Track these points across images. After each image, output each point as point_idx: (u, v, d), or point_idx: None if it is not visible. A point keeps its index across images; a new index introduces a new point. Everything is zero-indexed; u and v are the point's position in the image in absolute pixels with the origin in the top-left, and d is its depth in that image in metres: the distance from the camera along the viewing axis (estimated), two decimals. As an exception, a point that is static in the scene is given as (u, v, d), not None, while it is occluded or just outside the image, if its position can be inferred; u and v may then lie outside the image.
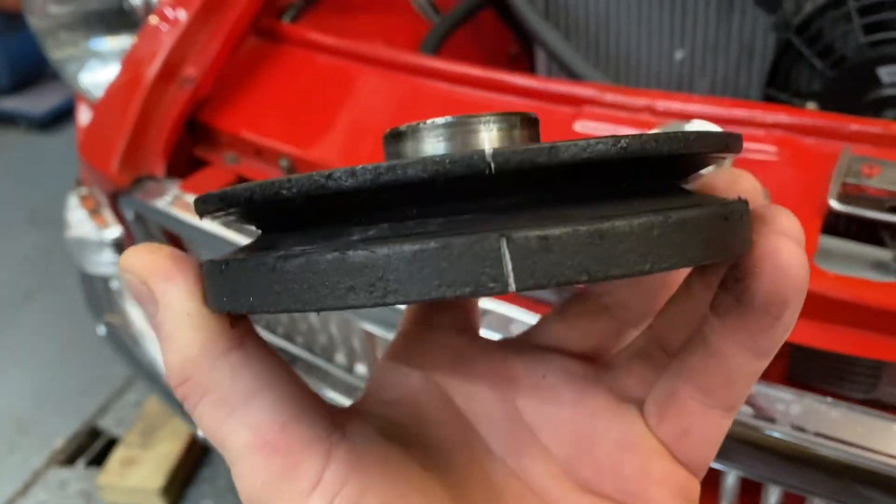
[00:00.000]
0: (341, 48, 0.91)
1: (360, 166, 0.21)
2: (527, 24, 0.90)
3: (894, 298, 0.55)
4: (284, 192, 0.22)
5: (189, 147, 0.95)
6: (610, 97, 0.72)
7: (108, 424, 1.84)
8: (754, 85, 0.91)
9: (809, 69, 0.84)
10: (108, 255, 1.13)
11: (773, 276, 0.24)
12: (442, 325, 0.37)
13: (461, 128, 0.27)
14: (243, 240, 0.78)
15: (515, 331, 0.60)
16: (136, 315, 1.20)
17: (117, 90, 0.93)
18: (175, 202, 0.84)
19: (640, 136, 0.22)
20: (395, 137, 0.28)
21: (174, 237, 0.93)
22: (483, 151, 0.20)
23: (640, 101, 0.70)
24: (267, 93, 0.92)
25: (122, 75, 0.94)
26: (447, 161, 0.20)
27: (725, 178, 0.29)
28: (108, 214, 1.07)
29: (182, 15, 0.94)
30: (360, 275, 0.20)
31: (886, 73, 0.78)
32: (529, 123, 0.28)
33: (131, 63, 0.93)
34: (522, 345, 0.35)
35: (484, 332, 0.38)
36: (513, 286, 0.20)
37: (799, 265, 0.24)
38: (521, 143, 0.28)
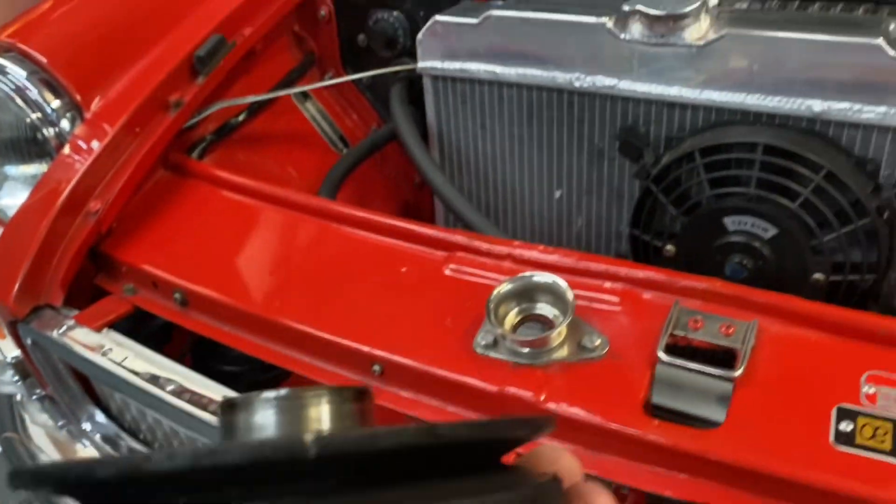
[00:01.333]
0: (244, 186, 0.97)
1: (181, 448, 0.22)
2: (417, 164, 0.98)
3: (710, 446, 0.60)
4: (100, 473, 0.21)
5: (91, 276, 0.98)
6: (477, 244, 0.78)
7: (10, 541, 1.76)
8: (625, 223, 1.00)
9: (669, 213, 0.93)
10: (9, 375, 1.12)
11: None
12: None
13: (293, 402, 0.28)
14: (135, 378, 0.80)
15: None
16: (36, 433, 1.19)
17: (22, 220, 0.96)
18: (67, 333, 0.86)
19: (455, 424, 0.24)
20: (229, 408, 0.29)
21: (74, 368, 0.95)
22: (303, 439, 0.21)
23: (503, 250, 0.77)
24: (170, 226, 0.97)
25: (28, 205, 0.97)
26: (268, 448, 0.21)
27: (547, 455, 0.30)
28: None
29: (95, 145, 0.99)
30: None
31: (731, 221, 0.87)
32: (361, 397, 0.30)
33: (38, 193, 0.97)
34: None
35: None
36: None
37: None
38: (350, 420, 0.29)
